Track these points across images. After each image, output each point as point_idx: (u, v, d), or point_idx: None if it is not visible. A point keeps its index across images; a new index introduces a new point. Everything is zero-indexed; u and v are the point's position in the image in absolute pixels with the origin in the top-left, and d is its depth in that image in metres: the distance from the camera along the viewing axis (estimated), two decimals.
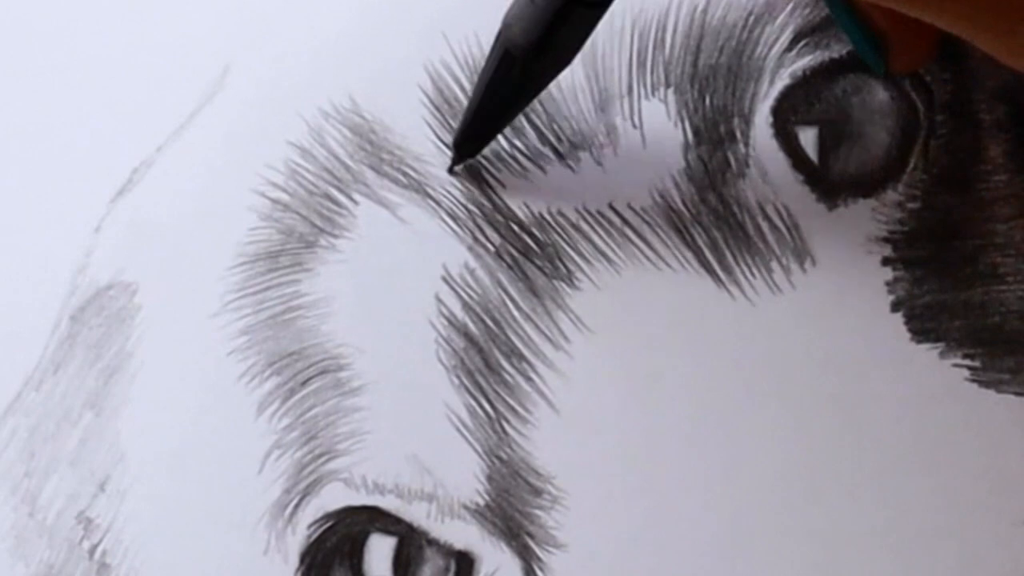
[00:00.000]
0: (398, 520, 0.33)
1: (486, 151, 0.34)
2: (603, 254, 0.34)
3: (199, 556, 0.34)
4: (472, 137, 0.34)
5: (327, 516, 0.33)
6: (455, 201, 0.34)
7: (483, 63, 0.34)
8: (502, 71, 0.32)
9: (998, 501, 0.32)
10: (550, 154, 0.34)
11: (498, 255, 0.34)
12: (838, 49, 0.34)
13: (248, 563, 0.33)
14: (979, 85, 0.34)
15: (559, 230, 0.34)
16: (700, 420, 0.33)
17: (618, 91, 0.34)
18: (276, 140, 0.35)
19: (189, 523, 0.34)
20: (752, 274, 0.33)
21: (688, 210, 0.34)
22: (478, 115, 0.33)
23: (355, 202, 0.35)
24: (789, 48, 0.34)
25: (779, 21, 0.34)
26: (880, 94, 0.34)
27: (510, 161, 0.34)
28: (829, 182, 0.34)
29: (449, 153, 0.34)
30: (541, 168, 0.34)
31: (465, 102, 0.35)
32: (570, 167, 0.34)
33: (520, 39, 0.31)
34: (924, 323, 0.33)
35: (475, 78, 0.35)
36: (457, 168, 0.34)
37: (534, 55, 0.32)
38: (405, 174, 0.35)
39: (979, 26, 0.28)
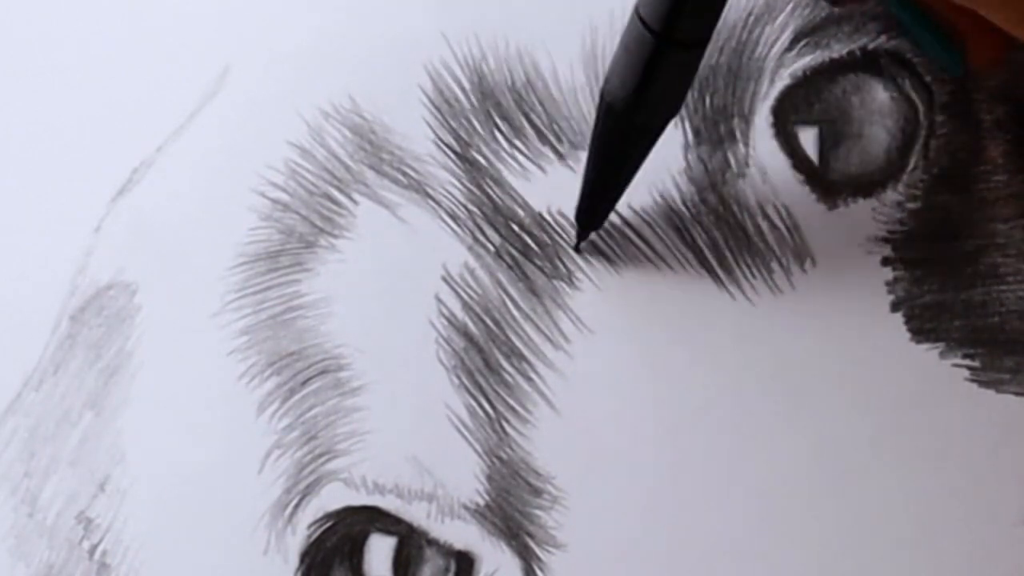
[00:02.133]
0: (398, 520, 0.33)
1: (486, 151, 0.34)
2: (603, 254, 0.34)
3: (199, 556, 0.34)
4: (593, 204, 0.33)
5: (327, 516, 0.33)
6: (455, 201, 0.34)
7: (483, 63, 0.34)
8: (609, 125, 0.31)
9: (998, 501, 0.32)
10: (550, 154, 0.34)
11: (498, 255, 0.34)
12: (838, 49, 0.34)
13: (248, 563, 0.33)
14: (979, 85, 0.34)
15: (559, 230, 0.34)
16: (700, 420, 0.33)
17: None
18: (276, 140, 0.35)
19: (189, 523, 0.34)
20: (752, 274, 0.33)
21: (688, 210, 0.34)
22: (595, 178, 0.33)
23: (355, 202, 0.35)
24: (789, 48, 0.34)
25: (779, 21, 0.34)
26: (880, 94, 0.34)
27: (510, 161, 0.34)
28: (829, 182, 0.34)
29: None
30: (541, 168, 0.34)
31: (465, 102, 0.35)
32: (570, 167, 0.34)
33: (619, 91, 0.31)
34: (924, 323, 0.33)
35: (475, 78, 0.35)
36: (583, 245, 0.34)
37: (634, 104, 0.31)
38: (405, 174, 0.35)
39: None
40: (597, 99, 0.33)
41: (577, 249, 0.34)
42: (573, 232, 0.34)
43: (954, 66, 0.32)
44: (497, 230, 0.34)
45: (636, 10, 0.30)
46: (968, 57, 0.32)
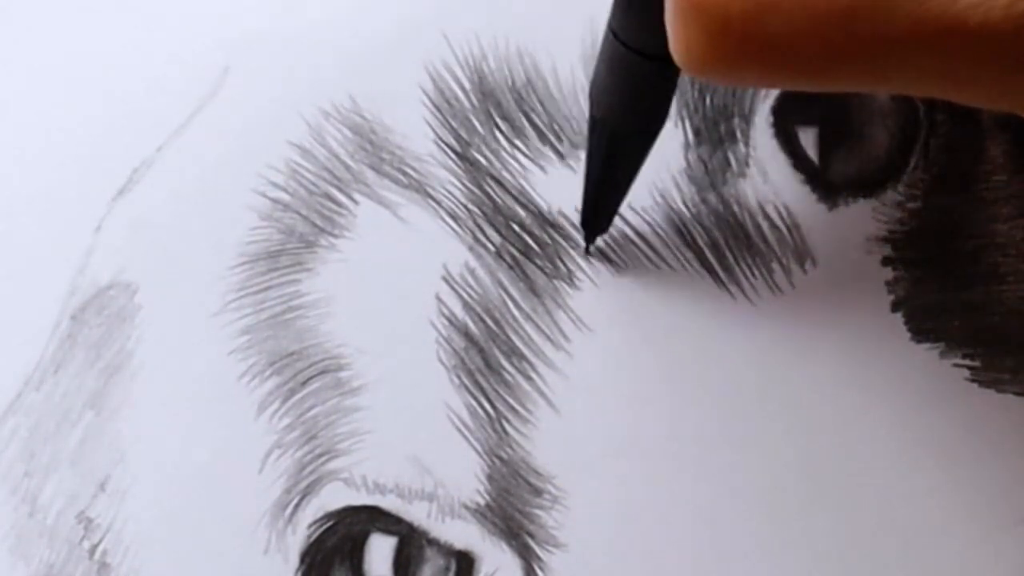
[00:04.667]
0: (398, 520, 0.33)
1: (486, 151, 0.34)
2: (603, 254, 0.34)
3: (199, 556, 0.34)
4: (597, 211, 0.33)
5: (327, 516, 0.33)
6: (455, 201, 0.34)
7: (483, 63, 0.34)
8: (603, 138, 0.32)
9: (998, 501, 0.32)
10: (550, 154, 0.34)
11: (498, 255, 0.34)
12: None
13: (248, 563, 0.33)
14: None
15: (559, 230, 0.34)
16: (700, 420, 0.33)
17: None
18: (276, 140, 0.35)
19: (189, 523, 0.34)
20: (752, 274, 0.33)
21: (688, 210, 0.34)
22: (595, 188, 0.33)
23: (355, 202, 0.35)
24: None
25: None
26: (880, 94, 0.34)
27: (510, 161, 0.34)
28: (829, 182, 0.34)
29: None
30: (542, 168, 0.34)
31: (465, 102, 0.35)
32: (570, 167, 0.34)
33: (607, 104, 0.31)
34: (924, 323, 0.33)
35: (475, 78, 0.35)
36: (592, 248, 0.34)
37: (624, 117, 0.31)
38: (405, 174, 0.35)
39: None
40: (586, 91, 0.33)
41: (588, 252, 0.34)
42: (574, 231, 0.34)
43: None
44: (497, 230, 0.34)
45: (609, 26, 0.29)
46: None
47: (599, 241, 0.34)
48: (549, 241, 0.34)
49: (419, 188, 0.35)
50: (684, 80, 0.34)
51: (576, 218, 0.34)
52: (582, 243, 0.34)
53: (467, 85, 0.35)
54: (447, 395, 0.34)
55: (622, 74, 0.30)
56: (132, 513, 0.34)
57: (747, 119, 0.34)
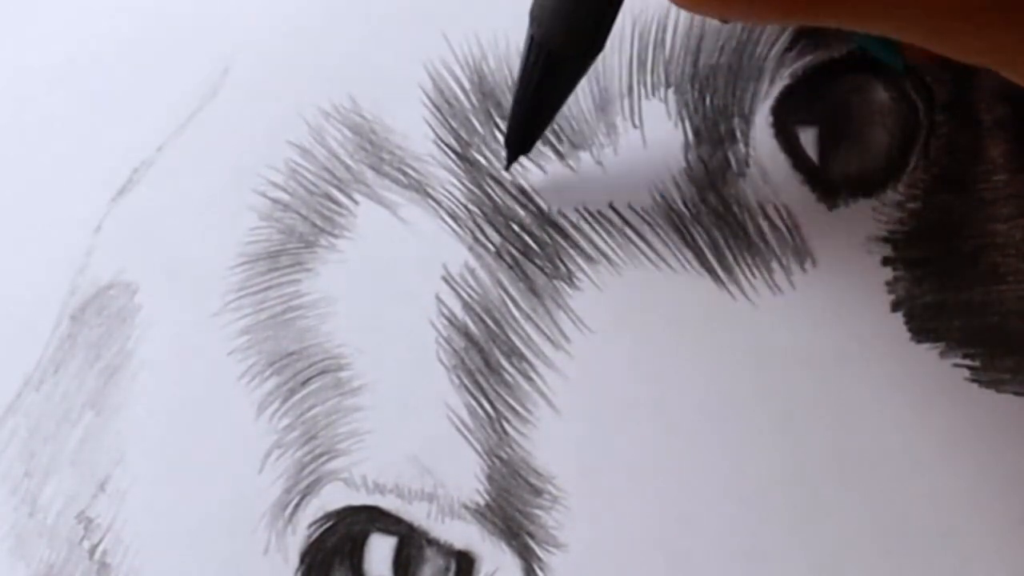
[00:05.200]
0: (398, 520, 0.33)
1: (486, 151, 0.34)
2: (603, 254, 0.34)
3: (199, 556, 0.34)
4: (523, 132, 0.34)
5: (327, 516, 0.33)
6: (455, 201, 0.34)
7: (483, 63, 0.34)
8: (538, 58, 0.32)
9: (998, 501, 0.32)
10: (550, 154, 0.34)
11: (498, 255, 0.34)
12: (838, 49, 0.34)
13: (248, 563, 0.33)
14: (979, 85, 0.34)
15: (559, 230, 0.34)
16: (700, 420, 0.33)
17: (618, 91, 0.34)
18: (276, 140, 0.35)
19: (189, 523, 0.34)
20: (752, 274, 0.33)
21: (688, 210, 0.34)
22: (525, 108, 0.33)
23: (355, 202, 0.35)
24: (789, 48, 0.34)
25: None
26: (880, 94, 0.34)
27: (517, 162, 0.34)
28: (829, 182, 0.34)
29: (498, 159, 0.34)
30: (541, 168, 0.34)
31: (465, 102, 0.35)
32: (570, 167, 0.34)
33: (547, 24, 0.31)
34: (924, 323, 0.33)
35: (475, 77, 0.35)
36: (513, 165, 0.34)
37: (561, 38, 0.31)
38: (405, 174, 0.35)
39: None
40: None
41: (507, 169, 0.34)
42: (574, 232, 0.34)
43: (895, 60, 0.33)
44: (497, 230, 0.34)
45: None
46: (906, 54, 0.32)
47: (599, 241, 0.34)
48: (549, 241, 0.34)
49: (419, 188, 0.35)
50: (684, 80, 0.34)
51: (575, 217, 0.34)
52: (581, 241, 0.34)
53: (467, 85, 0.35)
54: (447, 395, 0.34)
55: None
56: (132, 513, 0.34)
57: (747, 119, 0.34)
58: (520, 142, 0.34)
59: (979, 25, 0.26)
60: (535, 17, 0.31)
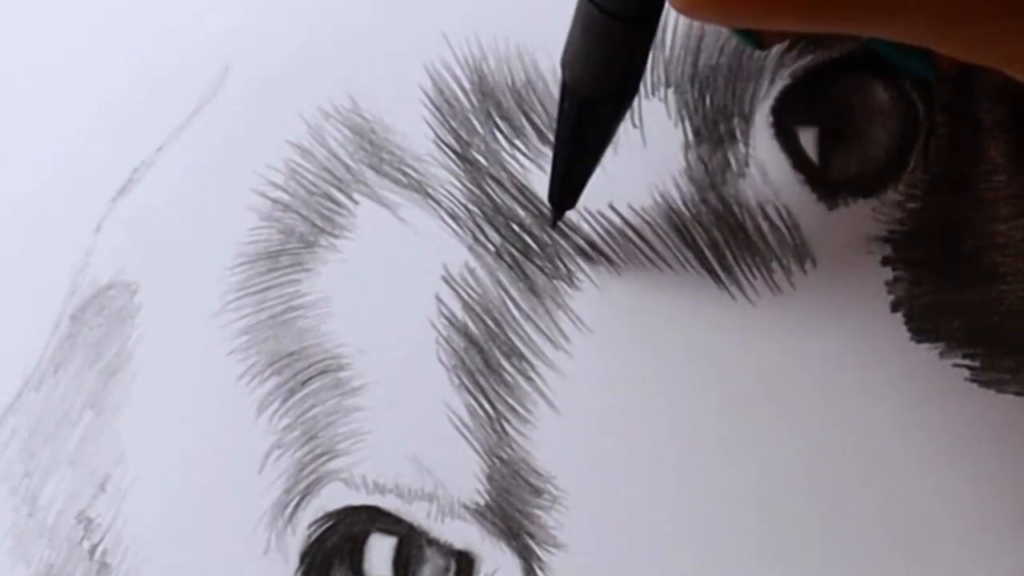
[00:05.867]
0: (398, 520, 0.33)
1: (486, 151, 0.34)
2: (603, 254, 0.34)
3: (199, 556, 0.34)
4: (565, 186, 0.33)
5: (327, 516, 0.33)
6: (455, 201, 0.34)
7: (483, 63, 0.34)
8: (573, 108, 0.31)
9: (998, 501, 0.32)
10: (550, 154, 0.34)
11: (498, 255, 0.34)
12: (838, 49, 0.34)
13: (248, 563, 0.33)
14: (979, 85, 0.34)
15: (559, 230, 0.34)
16: (700, 420, 0.33)
17: None
18: (276, 140, 0.35)
19: (189, 523, 0.34)
20: (752, 274, 0.33)
21: (688, 210, 0.34)
22: (566, 161, 0.32)
23: (355, 202, 0.35)
24: (789, 48, 0.34)
25: None
26: (880, 94, 0.34)
27: (511, 161, 0.34)
28: (829, 182, 0.34)
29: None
30: (541, 168, 0.34)
31: (465, 102, 0.35)
32: None
33: (579, 72, 0.30)
34: (924, 323, 0.33)
35: (475, 78, 0.35)
36: (559, 224, 0.34)
37: (595, 84, 0.30)
38: (405, 174, 0.35)
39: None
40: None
41: (553, 226, 0.34)
42: (574, 232, 0.34)
43: (926, 70, 0.32)
44: (497, 230, 0.34)
45: None
46: (937, 63, 0.32)
47: (598, 241, 0.34)
48: (549, 241, 0.34)
49: (419, 188, 0.35)
50: (684, 80, 0.34)
51: (575, 217, 0.34)
52: (581, 241, 0.34)
53: (467, 85, 0.35)
54: (447, 395, 0.34)
55: (595, 38, 0.29)
56: (132, 513, 0.34)
57: (747, 119, 0.34)
58: (565, 193, 0.33)
59: (988, 26, 0.26)
60: (565, 64, 0.30)
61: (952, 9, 0.25)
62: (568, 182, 0.33)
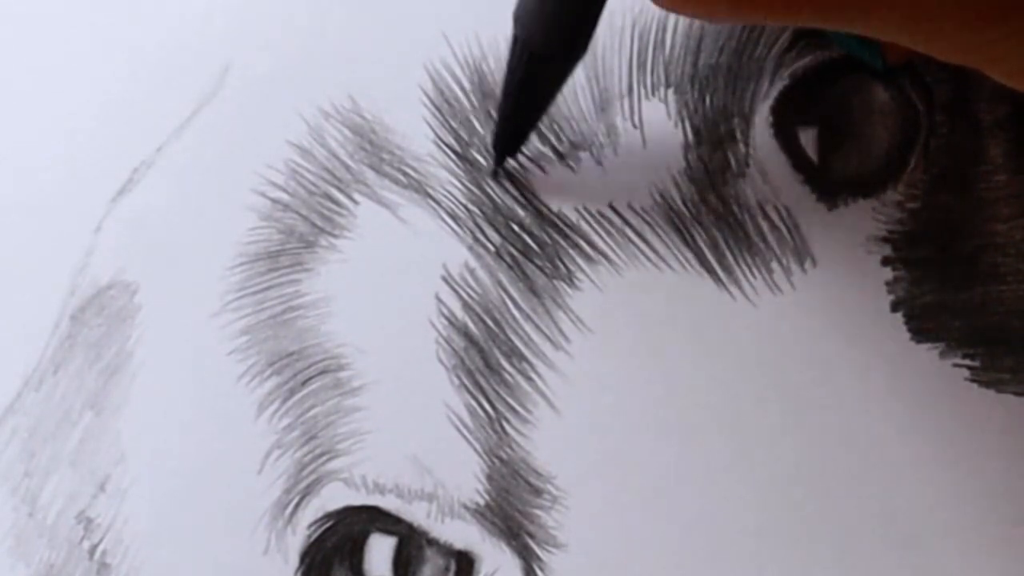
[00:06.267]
0: (398, 520, 0.33)
1: (486, 151, 0.34)
2: (603, 254, 0.34)
3: (199, 556, 0.34)
4: (509, 135, 0.34)
5: (327, 516, 0.33)
6: (455, 201, 0.34)
7: (483, 63, 0.34)
8: (522, 60, 0.32)
9: (998, 501, 0.32)
10: (550, 154, 0.34)
11: (498, 255, 0.34)
12: (838, 49, 0.34)
13: (248, 563, 0.33)
14: (979, 85, 0.34)
15: (559, 230, 0.34)
16: (700, 420, 0.33)
17: (618, 91, 0.34)
18: (276, 140, 0.35)
19: (189, 523, 0.34)
20: (752, 274, 0.33)
21: (688, 210, 0.34)
22: (511, 111, 0.33)
23: (355, 202, 0.35)
24: (789, 48, 0.34)
25: None
26: (880, 94, 0.34)
27: (510, 161, 0.34)
28: (829, 182, 0.34)
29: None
30: (541, 168, 0.34)
31: (465, 102, 0.35)
32: (570, 167, 0.34)
33: (532, 27, 0.31)
34: (924, 323, 0.33)
35: (475, 78, 0.35)
36: (499, 170, 0.34)
37: (546, 40, 0.31)
38: (405, 174, 0.35)
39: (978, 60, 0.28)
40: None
41: (495, 176, 0.34)
42: (573, 232, 0.34)
43: (874, 60, 0.33)
44: (497, 230, 0.34)
45: None
46: (885, 53, 0.32)
47: (598, 241, 0.34)
48: (549, 241, 0.34)
49: (419, 188, 0.35)
50: (684, 80, 0.34)
51: (575, 217, 0.34)
52: (581, 241, 0.34)
53: (467, 85, 0.35)
54: (447, 395, 0.34)
55: None
56: (132, 513, 0.34)
57: (747, 119, 0.34)
58: (506, 144, 0.34)
59: (960, 23, 0.26)
60: (517, 18, 0.31)
61: (924, 12, 0.26)
62: (511, 132, 0.34)
